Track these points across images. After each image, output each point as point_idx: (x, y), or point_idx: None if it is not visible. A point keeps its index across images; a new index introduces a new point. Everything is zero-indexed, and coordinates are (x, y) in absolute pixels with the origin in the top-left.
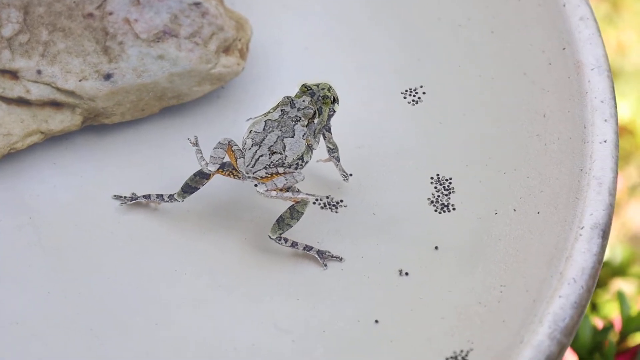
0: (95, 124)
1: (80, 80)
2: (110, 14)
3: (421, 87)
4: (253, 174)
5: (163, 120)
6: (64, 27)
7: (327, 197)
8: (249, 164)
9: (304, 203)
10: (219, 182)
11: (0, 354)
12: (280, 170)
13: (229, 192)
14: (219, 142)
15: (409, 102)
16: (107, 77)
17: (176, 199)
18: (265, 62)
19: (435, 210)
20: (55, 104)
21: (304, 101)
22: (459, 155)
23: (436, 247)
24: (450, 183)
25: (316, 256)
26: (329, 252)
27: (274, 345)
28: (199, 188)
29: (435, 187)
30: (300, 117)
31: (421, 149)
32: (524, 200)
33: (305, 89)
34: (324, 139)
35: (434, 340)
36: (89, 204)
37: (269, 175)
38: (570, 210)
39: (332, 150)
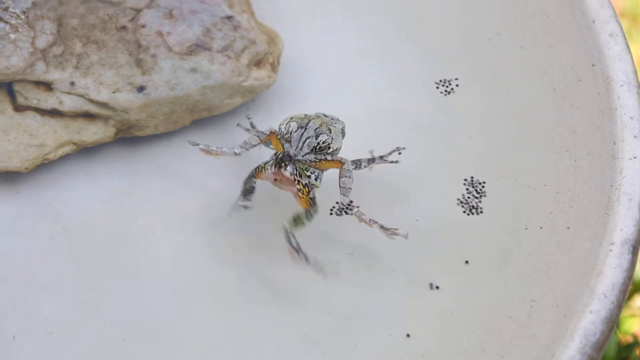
0: (128, 136)
1: (113, 92)
2: (143, 26)
3: (451, 97)
4: (302, 156)
5: (194, 132)
6: (97, 39)
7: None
8: (297, 146)
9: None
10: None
11: None
12: (329, 157)
13: (262, 207)
14: (260, 131)
15: (437, 122)
16: (140, 89)
17: (249, 206)
18: (295, 75)
19: (464, 212)
20: (88, 116)
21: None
22: (489, 170)
23: (466, 262)
24: (483, 187)
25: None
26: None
27: (305, 358)
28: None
29: (467, 189)
30: (334, 123)
31: (451, 161)
32: (554, 215)
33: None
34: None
35: (464, 354)
36: (121, 215)
37: (318, 161)
38: (601, 226)
39: (356, 167)
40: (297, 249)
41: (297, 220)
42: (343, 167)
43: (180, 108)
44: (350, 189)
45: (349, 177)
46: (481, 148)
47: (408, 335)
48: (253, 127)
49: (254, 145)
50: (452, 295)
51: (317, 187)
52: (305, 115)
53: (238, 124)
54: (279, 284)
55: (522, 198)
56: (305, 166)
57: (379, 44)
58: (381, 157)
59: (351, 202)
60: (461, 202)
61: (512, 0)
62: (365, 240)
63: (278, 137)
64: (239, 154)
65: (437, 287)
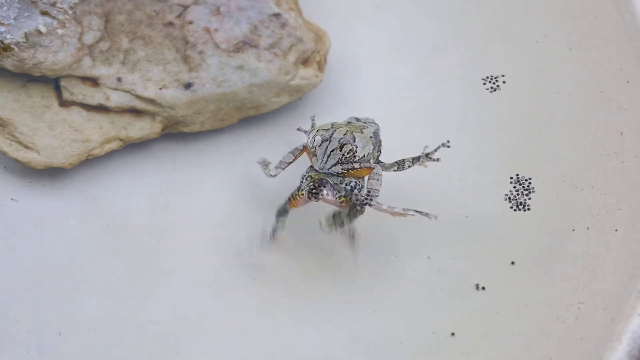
0: (174, 132)
1: (160, 89)
2: (191, 23)
3: (497, 95)
4: (328, 170)
5: (241, 130)
6: (144, 35)
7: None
8: (322, 160)
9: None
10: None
11: (79, 358)
12: (356, 165)
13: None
14: (294, 149)
15: (483, 120)
16: (187, 86)
17: (279, 228)
18: (342, 74)
19: (512, 208)
20: (135, 112)
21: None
22: (536, 171)
23: (512, 262)
24: (529, 183)
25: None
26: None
27: (350, 356)
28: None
29: (514, 186)
30: (367, 126)
31: (498, 160)
32: (602, 217)
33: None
34: (384, 168)
35: (511, 355)
36: (166, 212)
37: (346, 172)
38: None
39: (398, 167)
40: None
41: (335, 219)
42: (372, 171)
43: (227, 105)
44: (378, 190)
45: (377, 180)
46: (527, 148)
47: (453, 334)
48: (314, 127)
49: (289, 163)
50: (498, 296)
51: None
52: (332, 124)
53: (298, 128)
54: (323, 282)
55: (569, 199)
56: (340, 179)
57: (424, 43)
58: (427, 155)
59: (369, 198)
60: (509, 199)
61: (560, 2)
62: (411, 240)
63: (310, 149)
64: (275, 175)
65: (483, 288)
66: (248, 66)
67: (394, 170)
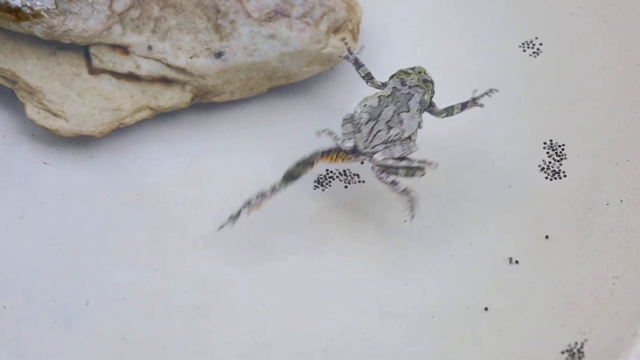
0: (204, 102)
1: (191, 57)
2: None
3: (533, 65)
4: (372, 148)
5: (271, 100)
6: (175, 3)
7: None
8: (367, 139)
9: (420, 172)
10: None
11: (107, 328)
12: (397, 142)
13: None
14: (344, 118)
15: (517, 92)
16: (218, 55)
17: (278, 189)
18: (374, 44)
19: (547, 178)
20: (166, 81)
21: (413, 79)
22: (571, 144)
23: (547, 237)
24: (562, 149)
25: (406, 200)
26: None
27: (382, 330)
28: (301, 177)
29: (548, 152)
30: (413, 94)
31: (532, 130)
32: (637, 191)
33: (404, 73)
34: (434, 114)
35: (544, 330)
36: (196, 182)
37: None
38: None
39: (447, 114)
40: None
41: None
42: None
43: (258, 75)
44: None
45: (404, 149)
46: (562, 121)
47: (486, 309)
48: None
49: (354, 132)
50: (532, 270)
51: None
52: (379, 97)
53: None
54: (357, 256)
55: (604, 173)
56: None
57: (456, 14)
58: (474, 100)
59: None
60: (543, 169)
61: None
62: (445, 212)
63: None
64: (351, 146)
65: (517, 262)
66: (279, 35)
67: (443, 117)
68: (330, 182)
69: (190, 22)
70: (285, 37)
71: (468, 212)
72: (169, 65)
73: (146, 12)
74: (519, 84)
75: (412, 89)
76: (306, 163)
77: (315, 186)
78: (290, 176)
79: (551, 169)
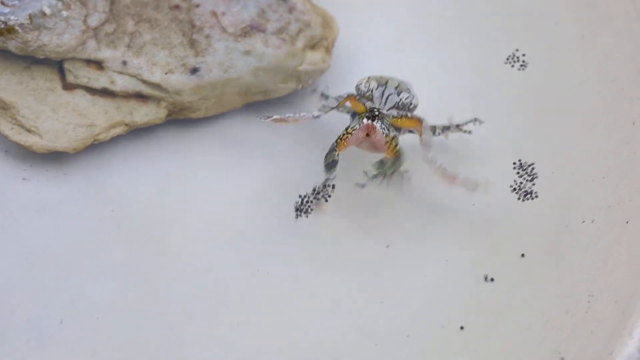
0: (180, 118)
1: (166, 73)
2: (197, 6)
3: (503, 84)
4: (386, 111)
5: (247, 116)
6: (150, 18)
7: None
8: (380, 102)
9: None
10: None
11: (81, 347)
12: (409, 114)
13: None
14: (338, 96)
15: (488, 109)
16: (194, 70)
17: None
18: (350, 60)
19: (519, 199)
20: (141, 97)
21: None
22: (546, 161)
23: (522, 255)
24: (533, 169)
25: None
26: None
27: (357, 348)
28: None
29: (518, 172)
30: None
31: (504, 148)
32: (613, 209)
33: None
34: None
35: (520, 349)
36: (171, 198)
37: (400, 117)
38: None
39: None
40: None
41: (380, 166)
42: (422, 124)
43: (233, 90)
44: (431, 146)
45: (430, 134)
46: (537, 137)
47: (462, 328)
48: (326, 96)
49: (332, 108)
50: (508, 288)
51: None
52: (381, 76)
53: (321, 92)
54: (331, 273)
55: (580, 190)
56: (389, 121)
57: (434, 29)
58: (457, 126)
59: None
60: (514, 189)
61: None
62: (418, 228)
63: (357, 97)
64: (318, 116)
65: (492, 280)
66: (255, 51)
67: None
68: (309, 206)
69: (166, 37)
70: (261, 53)
71: (443, 229)
72: (144, 81)
73: (121, 26)
74: (495, 99)
75: (405, 84)
76: (332, 159)
77: (297, 215)
78: (333, 163)
79: (522, 189)
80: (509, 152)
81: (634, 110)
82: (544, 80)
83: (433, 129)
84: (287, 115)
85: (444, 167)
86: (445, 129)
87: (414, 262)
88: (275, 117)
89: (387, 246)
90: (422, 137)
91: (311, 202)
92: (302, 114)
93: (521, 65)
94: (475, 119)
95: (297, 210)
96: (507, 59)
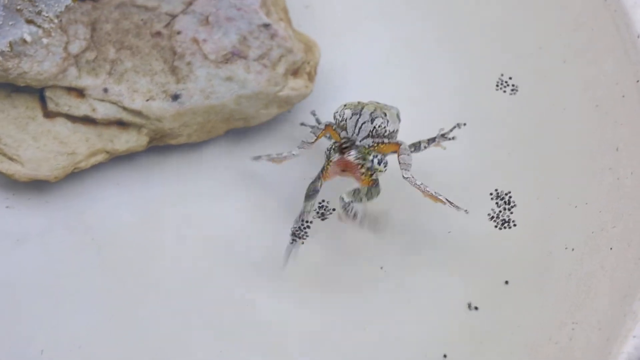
0: (161, 144)
1: (147, 100)
2: (179, 33)
3: (485, 110)
4: (360, 141)
5: (229, 142)
6: (131, 45)
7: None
8: (353, 132)
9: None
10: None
11: None
12: (385, 140)
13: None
14: (315, 127)
15: (470, 135)
16: (175, 97)
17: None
18: (332, 86)
19: (496, 227)
20: (121, 124)
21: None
22: (530, 187)
23: (506, 282)
24: (510, 197)
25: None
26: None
27: None
28: (318, 190)
29: (497, 202)
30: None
31: (486, 174)
32: (596, 235)
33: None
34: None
35: None
36: (152, 225)
37: (376, 145)
38: None
39: (415, 149)
40: (354, 215)
41: (355, 194)
42: (400, 147)
43: (215, 117)
44: (410, 164)
45: (408, 155)
46: (520, 163)
47: (445, 356)
48: (319, 122)
49: (312, 143)
50: (491, 315)
51: (381, 171)
52: (359, 102)
53: (302, 123)
54: (314, 299)
55: (563, 216)
56: (367, 150)
57: (416, 54)
58: (443, 135)
59: (412, 176)
60: (492, 217)
61: (554, 14)
62: (402, 257)
63: (334, 127)
64: (297, 155)
65: (476, 308)
66: (237, 77)
67: (411, 152)
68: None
69: (147, 64)
70: (243, 79)
71: (426, 257)
72: (124, 109)
73: (102, 54)
74: (477, 124)
75: (388, 106)
76: (314, 189)
77: (292, 239)
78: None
79: (500, 217)
80: (488, 178)
81: (617, 135)
82: (525, 107)
83: (418, 144)
84: (272, 156)
85: (425, 185)
86: (431, 140)
87: (397, 289)
88: (263, 157)
89: (369, 272)
90: (400, 158)
91: (294, 232)
92: (284, 154)
93: (512, 90)
94: (457, 124)
95: (292, 240)
96: (497, 85)
